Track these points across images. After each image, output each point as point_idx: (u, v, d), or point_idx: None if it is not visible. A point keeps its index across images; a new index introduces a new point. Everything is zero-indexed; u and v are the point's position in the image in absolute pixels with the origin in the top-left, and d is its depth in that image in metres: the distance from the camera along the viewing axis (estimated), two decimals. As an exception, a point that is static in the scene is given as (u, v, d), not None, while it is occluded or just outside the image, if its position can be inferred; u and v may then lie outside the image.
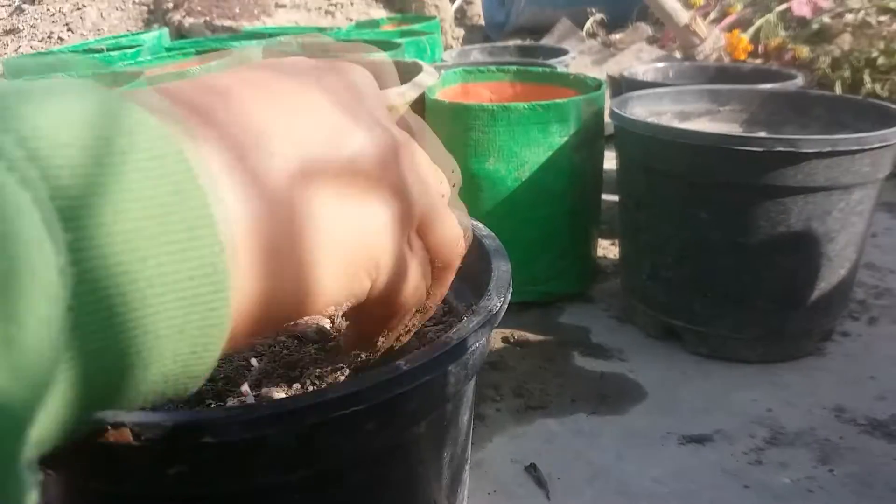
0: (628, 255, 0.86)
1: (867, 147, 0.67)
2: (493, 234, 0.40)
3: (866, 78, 1.36)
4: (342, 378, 0.35)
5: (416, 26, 1.87)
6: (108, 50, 1.44)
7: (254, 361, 0.37)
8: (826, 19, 1.58)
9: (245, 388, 0.32)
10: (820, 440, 0.64)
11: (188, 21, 2.55)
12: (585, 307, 0.89)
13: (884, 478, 0.59)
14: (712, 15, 1.76)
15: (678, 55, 1.67)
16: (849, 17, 1.55)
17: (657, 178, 0.77)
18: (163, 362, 0.19)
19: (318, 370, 0.35)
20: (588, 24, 2.02)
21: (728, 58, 1.58)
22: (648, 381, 0.74)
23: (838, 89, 1.37)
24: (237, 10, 2.62)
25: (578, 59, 1.64)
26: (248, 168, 0.21)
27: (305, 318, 0.24)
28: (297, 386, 0.34)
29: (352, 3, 2.80)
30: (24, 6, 2.76)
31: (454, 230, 0.29)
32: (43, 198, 0.16)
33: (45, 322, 0.15)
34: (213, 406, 0.32)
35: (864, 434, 0.65)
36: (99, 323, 0.17)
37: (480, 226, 0.41)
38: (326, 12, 2.76)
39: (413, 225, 0.26)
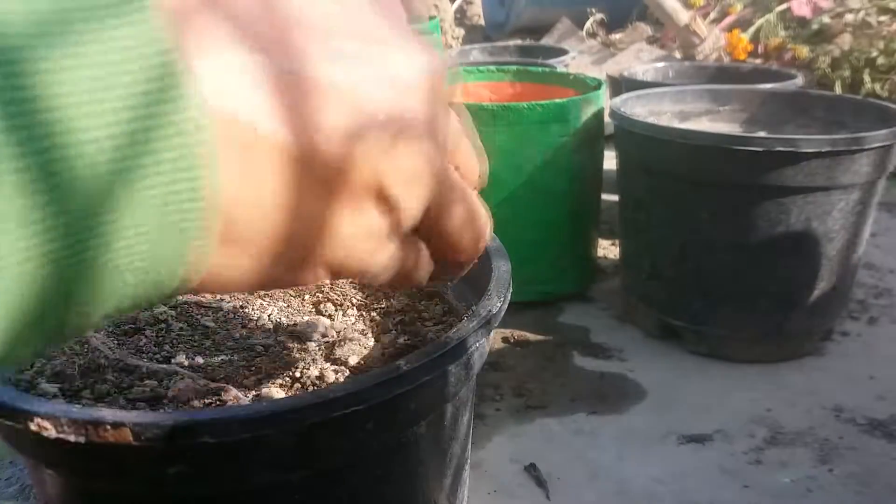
0: (628, 255, 0.86)
1: (867, 147, 0.67)
2: (493, 234, 0.40)
3: (866, 78, 1.36)
4: (342, 378, 0.35)
5: (415, 26, 1.87)
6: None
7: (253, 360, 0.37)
8: (826, 19, 1.58)
9: (235, 392, 0.32)
10: (820, 440, 0.64)
11: (188, 21, 2.54)
12: (585, 307, 0.89)
13: (884, 478, 0.59)
14: (712, 15, 1.76)
15: (678, 55, 1.67)
16: (849, 17, 1.55)
17: (657, 178, 0.77)
18: (133, 233, 0.16)
19: (318, 370, 0.35)
20: (588, 24, 2.02)
21: (728, 58, 1.58)
22: (648, 380, 0.74)
23: (838, 89, 1.37)
24: (237, 10, 2.61)
25: (578, 59, 1.64)
26: (250, 48, 0.18)
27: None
28: (297, 386, 0.34)
29: (352, 3, 2.80)
30: (24, 6, 2.76)
31: (474, 159, 0.28)
32: None
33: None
34: (213, 406, 0.32)
35: (864, 434, 0.65)
36: (58, 190, 0.15)
37: (480, 226, 0.41)
38: (326, 12, 2.76)
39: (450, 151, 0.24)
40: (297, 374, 0.34)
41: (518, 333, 0.82)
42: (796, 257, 0.72)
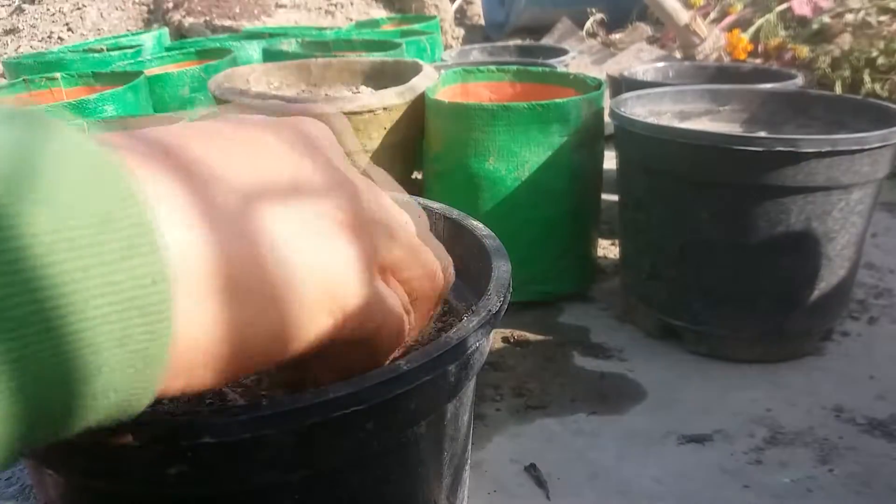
0: (628, 255, 0.86)
1: (867, 147, 0.67)
2: (493, 234, 0.40)
3: (866, 78, 1.36)
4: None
5: (416, 26, 1.88)
6: (108, 50, 1.44)
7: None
8: (826, 19, 1.58)
9: (234, 393, 0.32)
10: (819, 440, 0.64)
11: (188, 21, 2.55)
12: (585, 307, 0.89)
13: (884, 478, 0.59)
14: (712, 15, 1.76)
15: (678, 55, 1.67)
16: (849, 17, 1.55)
17: (657, 178, 0.77)
18: (105, 375, 0.18)
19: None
20: (588, 24, 2.02)
21: (728, 58, 1.58)
22: (648, 380, 0.74)
23: (838, 89, 1.37)
24: (237, 10, 2.62)
25: (578, 59, 1.64)
26: (195, 196, 0.20)
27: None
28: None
29: (352, 3, 2.80)
30: (24, 6, 2.76)
31: (430, 265, 0.28)
32: None
33: None
34: (212, 406, 0.32)
35: (864, 434, 0.65)
36: (36, 335, 0.16)
37: (480, 226, 0.41)
38: (326, 12, 2.76)
39: (378, 262, 0.26)
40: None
41: (518, 333, 0.82)
42: (796, 257, 0.72)
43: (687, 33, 1.61)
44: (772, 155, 0.67)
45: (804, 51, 1.51)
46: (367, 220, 0.25)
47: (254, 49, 1.43)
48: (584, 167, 0.85)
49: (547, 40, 2.08)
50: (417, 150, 0.94)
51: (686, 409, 0.69)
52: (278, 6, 2.71)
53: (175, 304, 0.19)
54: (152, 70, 1.24)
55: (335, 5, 2.78)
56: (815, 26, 1.58)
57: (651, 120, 0.84)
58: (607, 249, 1.03)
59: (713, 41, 1.58)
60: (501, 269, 0.36)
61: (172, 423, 0.23)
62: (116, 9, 2.75)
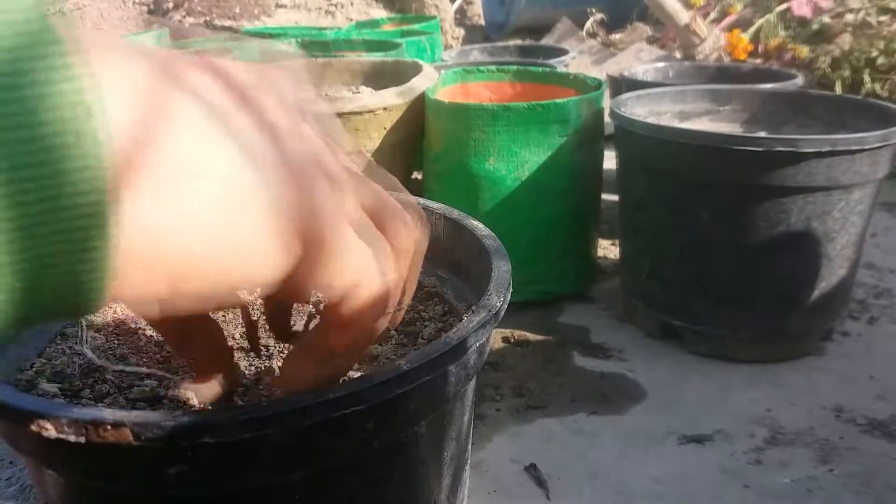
0: (628, 255, 0.86)
1: (867, 147, 0.67)
2: (493, 234, 0.40)
3: (866, 78, 1.36)
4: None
5: (416, 26, 1.88)
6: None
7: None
8: (826, 19, 1.58)
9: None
10: (820, 440, 0.64)
11: (188, 21, 2.55)
12: (585, 307, 0.89)
13: (884, 478, 0.59)
14: (712, 15, 1.76)
15: (678, 55, 1.67)
16: (849, 17, 1.55)
17: (657, 178, 0.77)
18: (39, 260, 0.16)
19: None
20: (588, 24, 2.02)
21: (728, 58, 1.58)
22: (648, 380, 0.74)
23: (838, 89, 1.37)
24: (237, 10, 2.62)
25: (578, 59, 1.64)
26: (149, 85, 0.18)
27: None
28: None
29: (352, 3, 2.80)
30: (24, 6, 2.76)
31: (397, 209, 0.27)
32: None
33: None
34: (212, 406, 0.32)
35: (864, 434, 0.65)
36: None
37: (480, 226, 0.41)
38: (326, 12, 2.76)
39: (347, 211, 0.23)
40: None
41: (518, 333, 0.82)
42: (796, 257, 0.72)
43: (687, 33, 1.61)
44: (772, 155, 0.67)
45: (804, 51, 1.51)
46: (330, 162, 0.23)
47: (254, 49, 1.43)
48: (584, 167, 0.85)
49: (547, 40, 2.08)
50: (417, 150, 0.94)
51: (686, 409, 0.69)
52: (278, 6, 2.71)
53: (113, 177, 0.17)
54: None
55: (335, 5, 2.78)
56: (815, 26, 1.58)
57: (651, 120, 0.84)
58: (607, 249, 1.03)
59: (713, 41, 1.58)
60: (501, 269, 0.36)
61: (172, 423, 0.23)
62: (116, 9, 2.75)
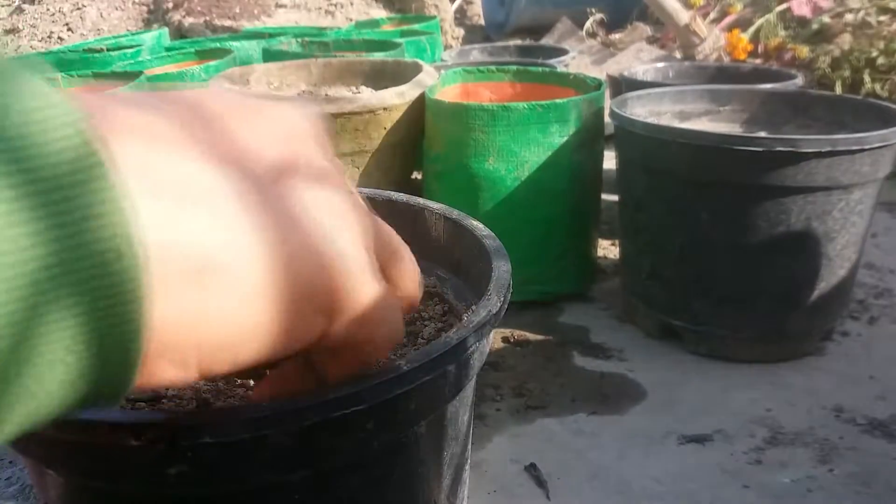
0: (628, 255, 0.86)
1: (867, 147, 0.67)
2: (493, 234, 0.40)
3: (866, 78, 1.36)
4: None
5: (416, 26, 1.88)
6: (108, 50, 1.43)
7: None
8: (826, 19, 1.58)
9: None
10: (820, 440, 0.64)
11: (188, 21, 2.55)
12: (585, 307, 0.89)
13: (884, 478, 0.59)
14: (712, 15, 1.76)
15: (678, 55, 1.67)
16: (849, 17, 1.55)
17: (657, 178, 0.77)
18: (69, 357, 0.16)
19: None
20: (588, 24, 2.02)
21: (728, 58, 1.58)
22: (648, 380, 0.74)
23: (838, 89, 1.37)
24: (237, 10, 2.62)
25: (578, 59, 1.64)
26: (172, 168, 0.18)
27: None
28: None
29: (352, 3, 2.80)
30: (24, 6, 2.76)
31: (415, 267, 0.27)
32: None
33: None
34: (214, 406, 0.32)
35: (864, 434, 0.65)
36: None
37: (480, 226, 0.41)
38: (326, 12, 2.76)
39: (372, 257, 0.23)
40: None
41: (518, 333, 0.82)
42: (796, 257, 0.72)
43: (687, 33, 1.61)
44: (772, 155, 0.67)
45: (804, 51, 1.51)
46: (365, 213, 0.23)
47: (254, 49, 1.43)
48: (584, 167, 0.85)
49: (547, 40, 2.08)
50: (417, 150, 0.94)
51: (686, 409, 0.69)
52: (278, 6, 2.71)
53: (147, 284, 0.17)
54: (152, 70, 1.24)
55: (335, 5, 2.78)
56: (814, 26, 1.58)
57: (651, 120, 0.84)
58: (607, 249, 1.03)
59: (713, 41, 1.58)
60: (501, 269, 0.36)
61: (172, 423, 0.23)
62: (116, 9, 2.75)
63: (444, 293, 0.43)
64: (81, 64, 1.33)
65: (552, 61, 1.33)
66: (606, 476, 0.60)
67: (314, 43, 1.43)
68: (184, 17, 2.57)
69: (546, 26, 2.26)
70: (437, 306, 0.42)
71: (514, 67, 1.03)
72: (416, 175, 1.04)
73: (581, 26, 2.06)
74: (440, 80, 0.96)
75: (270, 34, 1.70)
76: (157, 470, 0.25)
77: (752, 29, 1.63)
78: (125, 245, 0.16)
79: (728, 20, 1.72)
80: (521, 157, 0.81)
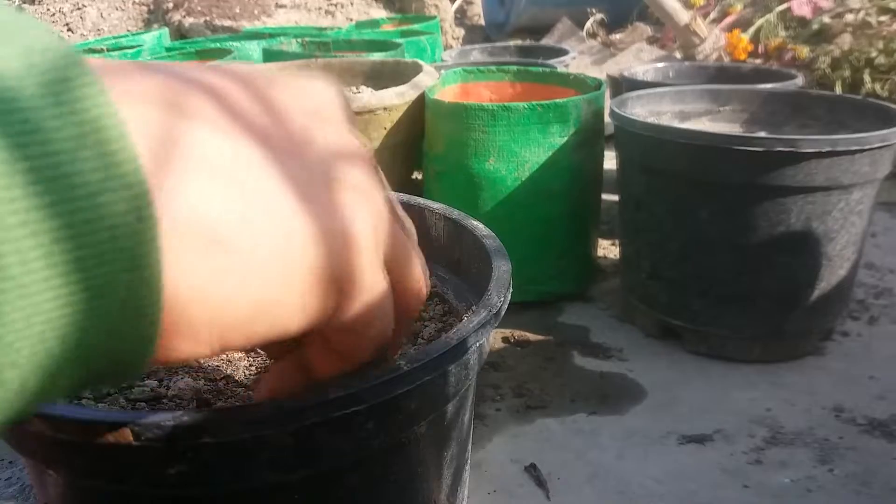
0: (628, 255, 0.86)
1: (867, 147, 0.67)
2: (493, 234, 0.40)
3: (866, 78, 1.36)
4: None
5: (416, 26, 1.88)
6: (108, 50, 1.43)
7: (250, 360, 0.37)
8: (826, 19, 1.58)
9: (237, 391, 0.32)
10: (819, 440, 0.64)
11: (188, 21, 2.55)
12: (585, 307, 0.89)
13: (884, 478, 0.59)
14: (712, 15, 1.76)
15: (678, 55, 1.67)
16: (849, 17, 1.55)
17: (657, 178, 0.77)
18: (86, 333, 0.16)
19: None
20: (588, 24, 2.02)
21: (728, 58, 1.58)
22: (648, 380, 0.74)
23: (838, 89, 1.37)
24: (237, 10, 2.62)
25: (578, 59, 1.64)
26: (188, 136, 0.18)
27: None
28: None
29: (352, 3, 2.80)
30: (24, 6, 2.76)
31: (421, 270, 0.26)
32: None
33: None
34: (214, 406, 0.32)
35: (864, 434, 0.65)
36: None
37: (480, 226, 0.41)
38: (326, 12, 2.76)
39: (382, 249, 0.23)
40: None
41: (518, 333, 0.82)
42: (796, 257, 0.72)
43: (687, 33, 1.61)
44: (772, 155, 0.67)
45: (804, 51, 1.51)
46: (386, 204, 0.23)
47: (254, 49, 1.43)
48: (584, 167, 0.85)
49: (547, 40, 2.08)
50: (417, 150, 0.94)
51: (686, 409, 0.69)
52: (278, 6, 2.71)
53: (163, 250, 0.17)
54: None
55: (335, 5, 2.78)
56: (815, 26, 1.58)
57: (651, 120, 0.84)
58: (607, 249, 1.03)
59: (713, 41, 1.58)
60: (501, 269, 0.36)
61: (172, 423, 0.23)
62: (116, 9, 2.75)
63: (444, 293, 0.43)
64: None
65: (552, 61, 1.33)
66: (606, 476, 0.60)
67: (314, 43, 1.43)
68: (184, 17, 2.57)
69: (546, 26, 2.26)
70: (437, 306, 0.42)
71: (514, 67, 1.03)
72: (416, 175, 1.04)
73: (581, 26, 2.05)
74: (440, 80, 0.96)
75: (270, 34, 1.70)
76: (157, 470, 0.25)
77: (752, 29, 1.63)
78: (137, 214, 0.16)
79: (728, 20, 1.72)
80: (521, 157, 0.81)
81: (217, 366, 0.36)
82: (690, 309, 0.77)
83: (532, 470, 0.61)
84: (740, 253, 0.73)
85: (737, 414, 0.68)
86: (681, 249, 0.76)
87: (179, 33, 2.50)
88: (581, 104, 0.82)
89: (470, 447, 0.38)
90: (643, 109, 0.89)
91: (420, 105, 0.90)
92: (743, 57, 1.56)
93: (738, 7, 1.74)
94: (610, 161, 0.90)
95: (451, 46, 2.45)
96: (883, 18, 1.51)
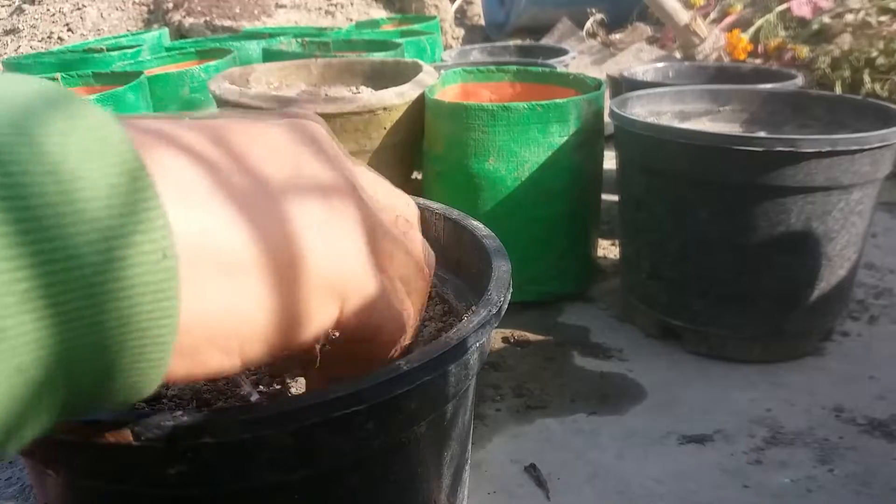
0: (628, 255, 0.86)
1: (867, 147, 0.67)
2: (493, 234, 0.40)
3: (866, 78, 1.36)
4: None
5: (416, 26, 1.88)
6: (108, 50, 1.43)
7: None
8: (826, 19, 1.58)
9: (247, 388, 0.32)
10: (819, 440, 0.64)
11: (188, 21, 2.55)
12: (585, 307, 0.89)
13: (884, 478, 0.59)
14: (712, 15, 1.76)
15: (678, 55, 1.67)
16: (849, 17, 1.55)
17: (657, 178, 0.77)
18: (109, 357, 0.18)
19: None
20: (588, 24, 2.02)
21: (728, 58, 1.58)
22: (648, 380, 0.74)
23: (838, 89, 1.37)
24: (237, 10, 2.62)
25: (578, 59, 1.64)
26: (200, 176, 0.21)
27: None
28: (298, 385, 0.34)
29: (352, 3, 2.80)
30: (24, 6, 2.76)
31: (417, 256, 0.29)
32: None
33: None
34: (214, 406, 0.32)
35: (864, 434, 0.65)
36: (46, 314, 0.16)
37: (480, 226, 0.41)
38: (326, 12, 2.76)
39: (379, 249, 0.26)
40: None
41: (518, 333, 0.82)
42: (796, 257, 0.72)
43: (687, 33, 1.61)
44: (772, 155, 0.67)
45: (804, 51, 1.51)
46: (368, 214, 0.25)
47: (254, 49, 1.43)
48: (584, 167, 0.85)
49: (547, 40, 2.08)
50: (417, 150, 0.94)
51: (686, 409, 0.69)
52: (278, 6, 2.71)
53: (181, 282, 0.19)
54: (152, 70, 1.24)
55: (335, 5, 2.78)
56: (814, 26, 1.58)
57: (651, 120, 0.84)
58: (607, 249, 1.03)
59: (713, 41, 1.58)
60: (501, 269, 0.36)
61: (172, 423, 0.23)
62: (116, 9, 2.75)
63: (444, 293, 0.43)
64: (81, 64, 1.33)
65: (552, 61, 1.33)
66: (606, 476, 0.60)
67: (314, 43, 1.43)
68: (184, 17, 2.57)
69: (546, 26, 2.26)
70: (437, 306, 0.42)
71: (514, 67, 1.03)
72: (416, 175, 1.04)
73: (581, 26, 2.05)
74: (440, 81, 0.96)
75: (270, 34, 1.70)
76: (157, 470, 0.25)
77: (752, 29, 1.63)
78: (166, 250, 0.18)
79: (728, 20, 1.72)
80: (521, 157, 0.81)
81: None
82: (690, 309, 0.77)
83: (532, 470, 0.61)
84: (740, 253, 0.73)
85: (737, 414, 0.68)
86: (681, 249, 0.76)
87: (179, 33, 2.50)
88: (581, 104, 0.82)
89: (470, 447, 0.38)
90: (643, 109, 0.89)
91: (420, 105, 0.90)
92: (743, 57, 1.56)
93: (738, 7, 1.74)
94: (610, 161, 0.90)
95: (451, 46, 2.45)
96: (883, 18, 1.51)
